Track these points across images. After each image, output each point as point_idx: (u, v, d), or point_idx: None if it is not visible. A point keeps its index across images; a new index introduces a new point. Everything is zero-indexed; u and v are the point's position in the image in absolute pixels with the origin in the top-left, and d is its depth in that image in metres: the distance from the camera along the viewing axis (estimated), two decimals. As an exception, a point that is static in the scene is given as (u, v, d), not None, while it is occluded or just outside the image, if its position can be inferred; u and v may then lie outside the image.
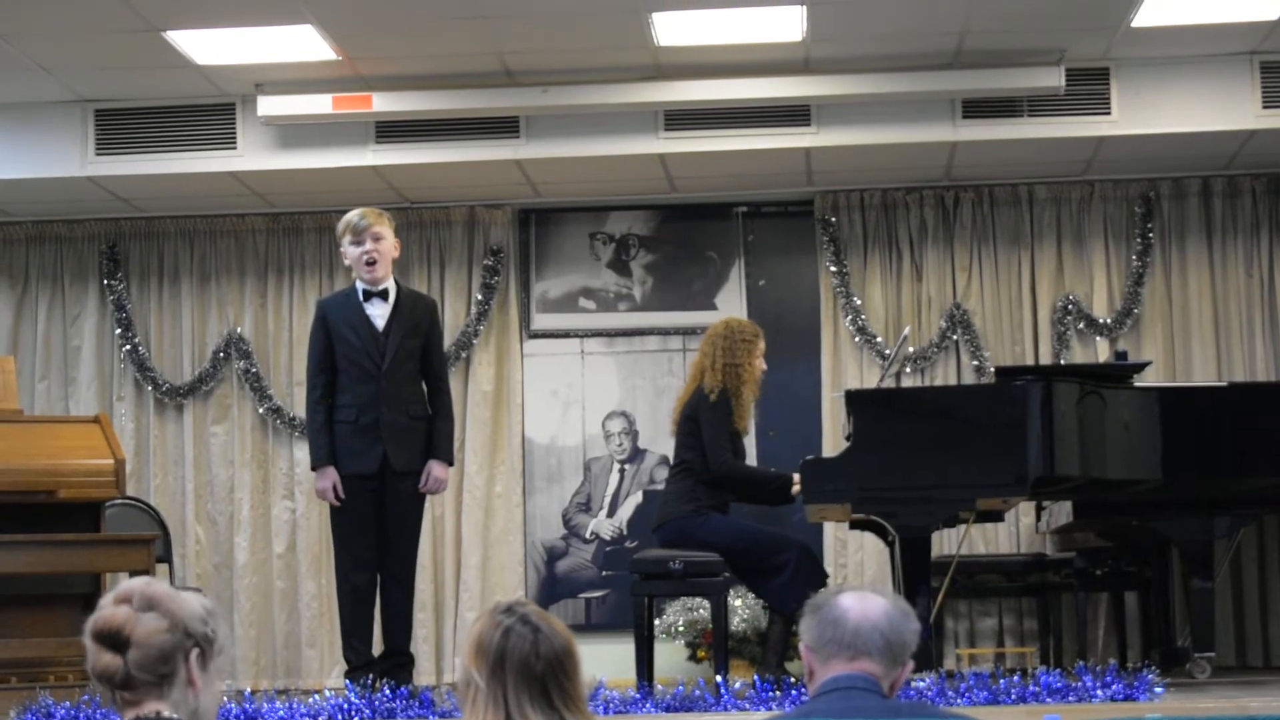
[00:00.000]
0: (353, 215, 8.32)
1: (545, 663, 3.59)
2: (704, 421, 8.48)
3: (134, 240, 11.72)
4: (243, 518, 11.45)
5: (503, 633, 3.62)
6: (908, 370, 11.24)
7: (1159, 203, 11.28)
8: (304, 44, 9.69)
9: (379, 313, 8.30)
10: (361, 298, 8.32)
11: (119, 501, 9.58)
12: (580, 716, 3.62)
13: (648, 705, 7.43)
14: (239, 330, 11.57)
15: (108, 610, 3.42)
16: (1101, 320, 11.14)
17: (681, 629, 10.82)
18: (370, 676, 7.92)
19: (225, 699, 7.82)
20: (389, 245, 8.33)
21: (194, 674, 3.45)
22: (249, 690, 9.03)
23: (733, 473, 8.54)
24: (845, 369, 11.30)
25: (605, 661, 8.70)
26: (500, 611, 3.69)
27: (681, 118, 10.51)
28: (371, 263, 8.25)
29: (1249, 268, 11.20)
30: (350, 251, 8.31)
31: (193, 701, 3.46)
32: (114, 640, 3.39)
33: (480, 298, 11.52)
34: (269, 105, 10.31)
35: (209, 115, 10.60)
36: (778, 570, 8.31)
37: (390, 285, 8.36)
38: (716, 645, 8.53)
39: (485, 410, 11.46)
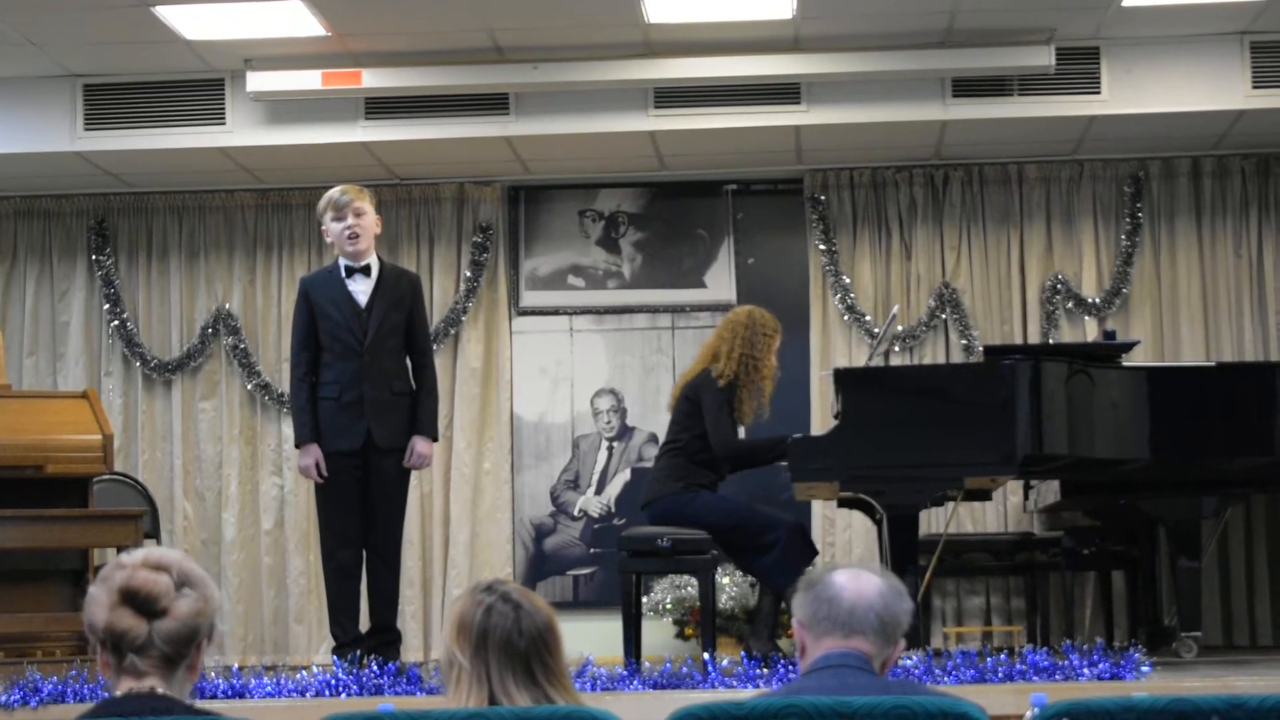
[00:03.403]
0: (334, 192, 8.31)
1: (528, 639, 3.60)
2: (706, 405, 8.48)
3: (123, 215, 11.71)
4: (231, 494, 11.45)
5: (484, 611, 3.62)
6: (896, 349, 11.24)
7: (1148, 182, 11.29)
8: (293, 20, 9.67)
9: (361, 289, 8.28)
10: (344, 274, 8.31)
11: (107, 477, 9.56)
12: (564, 692, 3.63)
13: (635, 682, 7.43)
14: (227, 306, 11.57)
15: (146, 575, 3.40)
16: (1090, 300, 11.15)
17: (669, 606, 10.84)
18: (358, 653, 7.93)
19: (213, 675, 7.83)
20: (370, 221, 8.31)
21: (198, 660, 3.46)
22: (237, 666, 9.00)
23: (736, 450, 8.58)
24: (834, 347, 11.31)
25: (593, 639, 8.71)
26: (481, 590, 3.70)
27: (671, 95, 10.50)
28: (354, 237, 8.23)
29: (1237, 248, 11.21)
30: (332, 228, 8.29)
31: (189, 685, 3.47)
32: (148, 607, 3.37)
33: (469, 274, 11.52)
34: (258, 81, 10.29)
35: (198, 91, 10.59)
36: (768, 548, 8.32)
37: (373, 261, 8.34)
38: (704, 622, 8.53)
39: (474, 387, 11.46)
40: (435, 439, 8.53)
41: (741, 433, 8.83)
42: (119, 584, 3.39)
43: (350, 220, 8.24)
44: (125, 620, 3.37)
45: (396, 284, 8.38)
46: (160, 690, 3.40)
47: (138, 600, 3.37)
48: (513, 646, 3.60)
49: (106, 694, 3.45)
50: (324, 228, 8.38)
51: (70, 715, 3.48)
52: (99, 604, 3.40)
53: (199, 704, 3.51)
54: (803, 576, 3.91)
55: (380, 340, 8.24)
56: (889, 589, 3.76)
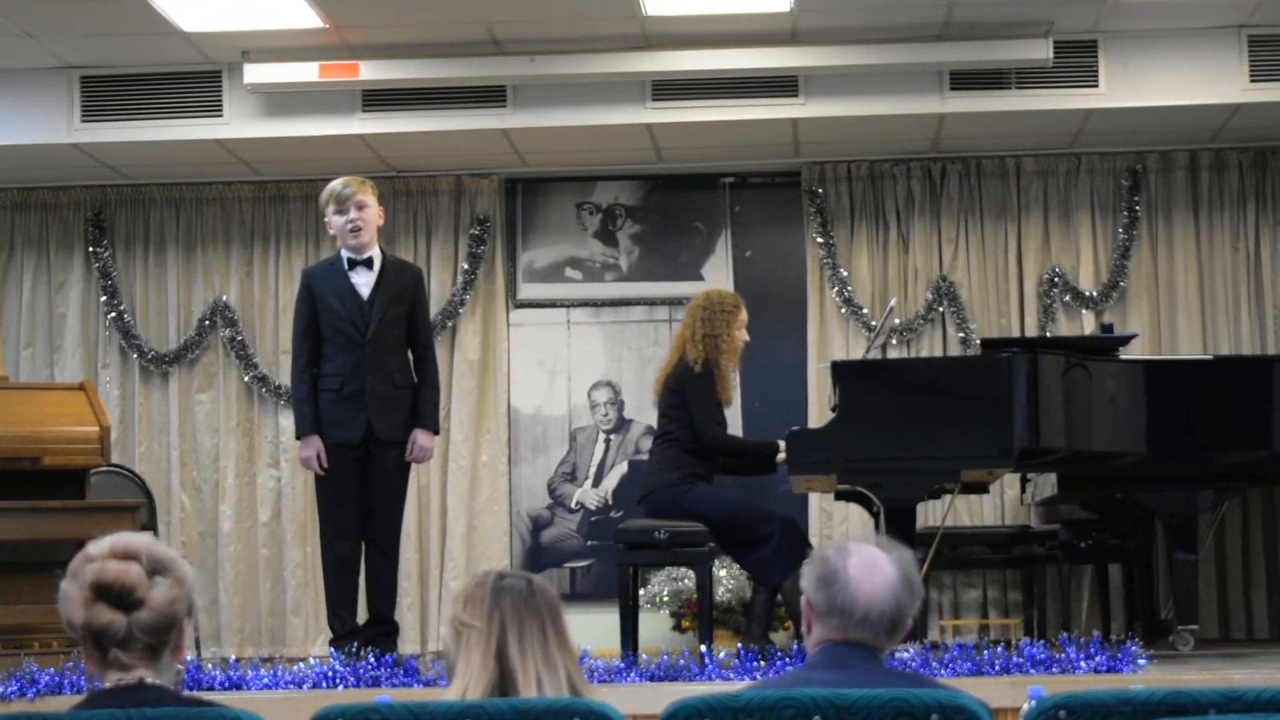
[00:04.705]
0: (336, 184, 8.31)
1: (540, 601, 3.63)
2: (690, 395, 8.49)
3: (120, 207, 11.70)
4: (228, 486, 11.45)
5: (496, 578, 3.66)
6: (894, 342, 11.24)
7: (1146, 176, 11.29)
8: (291, 12, 9.66)
9: (364, 281, 8.29)
10: (346, 266, 8.31)
11: (104, 469, 9.57)
12: (570, 660, 3.64)
13: (632, 675, 7.44)
14: (225, 298, 11.56)
15: (116, 567, 3.36)
16: (1087, 293, 11.15)
17: (666, 599, 10.84)
18: (355, 645, 7.94)
19: (210, 666, 7.84)
20: (373, 213, 8.32)
21: (183, 640, 3.44)
22: (234, 658, 9.03)
23: (724, 445, 8.58)
24: (831, 340, 11.31)
25: (590, 631, 8.70)
26: (486, 573, 3.72)
27: (669, 88, 10.49)
28: (356, 230, 8.24)
29: (1235, 241, 11.21)
30: (334, 220, 8.30)
31: (175, 667, 3.45)
32: (122, 600, 3.35)
33: (466, 267, 11.51)
34: (255, 73, 10.28)
35: (195, 82, 10.57)
36: (763, 541, 8.32)
37: (375, 253, 8.35)
38: (701, 615, 8.54)
39: (471, 380, 11.46)
40: (436, 432, 8.55)
41: (735, 418, 8.83)
42: (90, 579, 3.35)
43: (352, 213, 8.25)
44: (103, 616, 3.34)
45: (399, 276, 8.38)
46: (149, 680, 3.39)
47: (111, 594, 3.34)
48: (529, 604, 3.61)
49: (98, 684, 3.44)
50: (326, 220, 8.39)
51: (67, 707, 3.45)
52: (73, 601, 3.36)
53: (198, 694, 3.50)
54: (815, 552, 3.88)
55: (382, 333, 8.25)
56: (901, 584, 3.73)
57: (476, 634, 3.58)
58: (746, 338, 8.71)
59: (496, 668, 3.55)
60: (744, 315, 8.69)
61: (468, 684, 3.54)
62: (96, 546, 3.41)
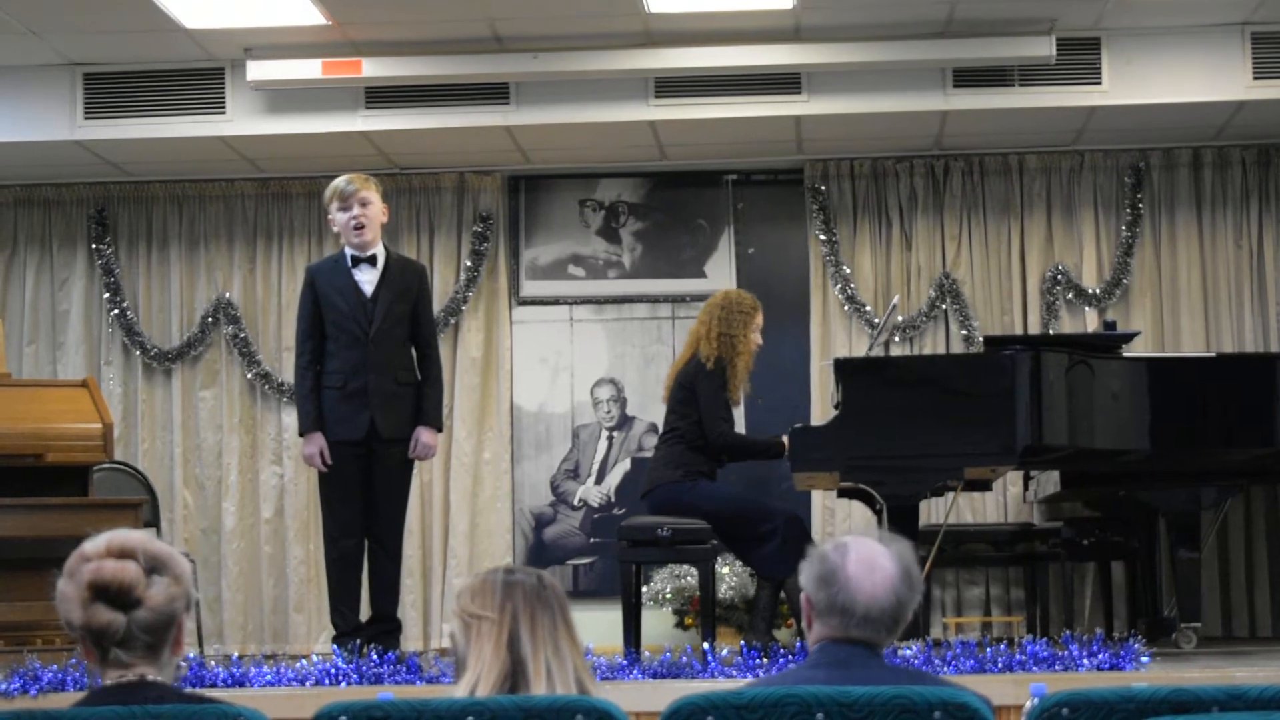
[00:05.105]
0: (340, 181, 8.31)
1: (551, 594, 3.64)
2: (701, 391, 8.51)
3: (123, 204, 11.70)
4: (231, 483, 11.44)
5: (505, 571, 3.67)
6: (896, 339, 11.24)
7: (1149, 173, 11.28)
8: (293, 8, 9.66)
9: (367, 278, 8.29)
10: (350, 263, 8.31)
11: (107, 465, 9.57)
12: (578, 654, 3.64)
13: (635, 672, 7.44)
14: (227, 295, 11.55)
15: (113, 566, 3.34)
16: (1090, 290, 11.14)
17: (669, 596, 10.84)
18: (358, 642, 7.94)
19: (213, 663, 7.84)
20: (376, 210, 8.32)
21: (181, 635, 3.43)
22: (236, 654, 9.02)
23: (729, 442, 8.60)
24: (834, 337, 11.31)
25: (593, 628, 8.62)
26: (493, 569, 3.73)
27: (672, 85, 10.48)
28: (359, 227, 8.24)
29: (1238, 239, 11.20)
30: (338, 217, 8.30)
31: (175, 662, 3.44)
32: (121, 599, 3.33)
33: (469, 264, 11.51)
34: (258, 70, 10.28)
35: (198, 79, 10.57)
36: (765, 538, 8.33)
37: (379, 251, 8.34)
38: (704, 612, 8.55)
39: (474, 377, 11.46)
40: (440, 430, 8.54)
41: (739, 415, 8.83)
42: (88, 579, 3.31)
43: (355, 210, 8.24)
44: (102, 616, 3.31)
45: (402, 274, 8.38)
46: (150, 677, 3.38)
47: (110, 594, 3.31)
48: (541, 596, 3.62)
49: (99, 681, 3.43)
50: (330, 217, 8.40)
51: (69, 703, 3.45)
52: (71, 601, 3.33)
53: (201, 691, 3.50)
54: (814, 549, 3.87)
55: (386, 330, 8.25)
56: (901, 580, 3.72)
57: (488, 625, 3.58)
58: (760, 341, 8.73)
59: (508, 658, 3.55)
60: (760, 319, 8.73)
61: (479, 675, 3.54)
62: (93, 545, 3.37)
